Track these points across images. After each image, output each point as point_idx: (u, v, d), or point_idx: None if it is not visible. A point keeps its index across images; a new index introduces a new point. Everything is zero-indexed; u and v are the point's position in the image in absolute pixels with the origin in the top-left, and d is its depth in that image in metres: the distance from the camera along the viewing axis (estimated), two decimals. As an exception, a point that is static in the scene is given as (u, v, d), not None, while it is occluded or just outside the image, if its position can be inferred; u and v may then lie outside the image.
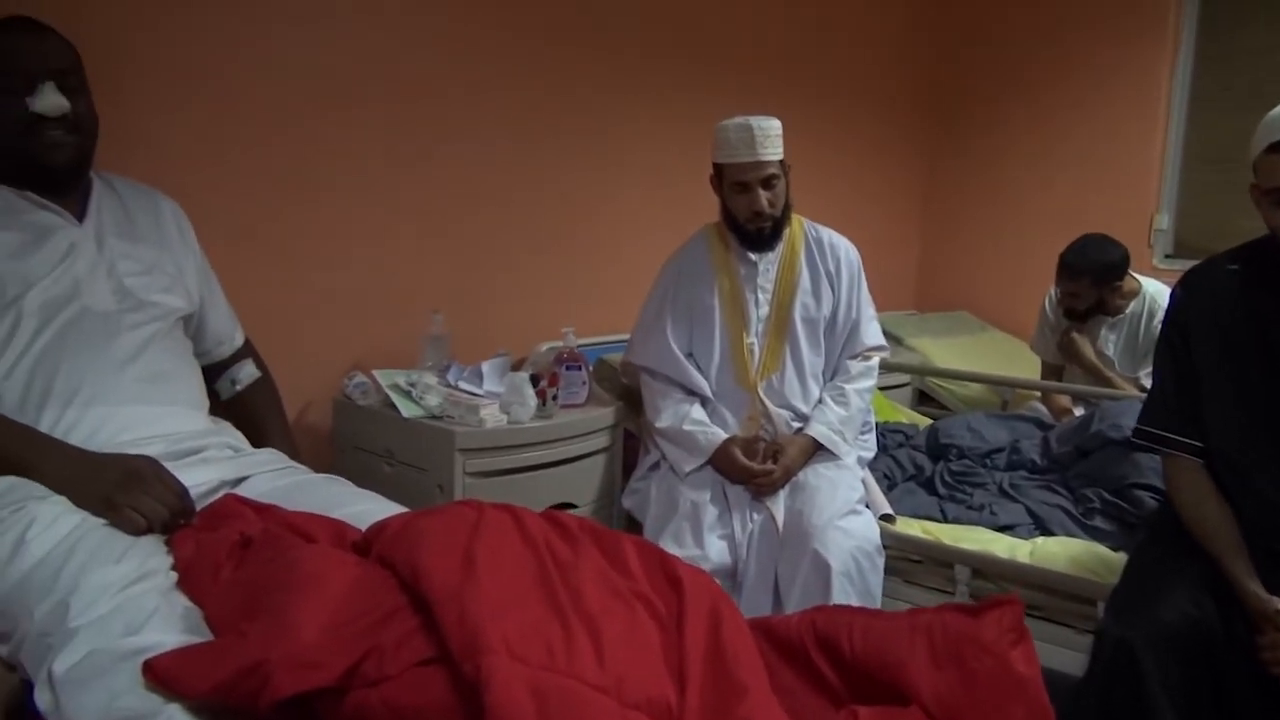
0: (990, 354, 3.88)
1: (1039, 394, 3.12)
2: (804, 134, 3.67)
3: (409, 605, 0.95)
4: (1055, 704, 1.19)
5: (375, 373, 2.15)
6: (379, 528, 1.20)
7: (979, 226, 4.44)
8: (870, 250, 4.14)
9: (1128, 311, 2.90)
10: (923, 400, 3.57)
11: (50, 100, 1.51)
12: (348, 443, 2.17)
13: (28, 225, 1.52)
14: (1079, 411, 2.95)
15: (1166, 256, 3.91)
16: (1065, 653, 1.86)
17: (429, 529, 1.01)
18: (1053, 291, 3.04)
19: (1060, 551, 1.96)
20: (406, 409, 2.03)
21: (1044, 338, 3.12)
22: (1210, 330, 1.68)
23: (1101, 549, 1.95)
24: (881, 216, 4.33)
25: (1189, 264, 1.76)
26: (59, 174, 1.55)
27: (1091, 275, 2.81)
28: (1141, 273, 3.16)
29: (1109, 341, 2.93)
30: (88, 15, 1.78)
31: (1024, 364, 3.66)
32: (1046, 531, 2.07)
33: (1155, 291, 2.90)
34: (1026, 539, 2.04)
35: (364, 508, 1.44)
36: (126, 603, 1.10)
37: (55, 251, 1.52)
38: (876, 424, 2.59)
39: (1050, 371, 3.15)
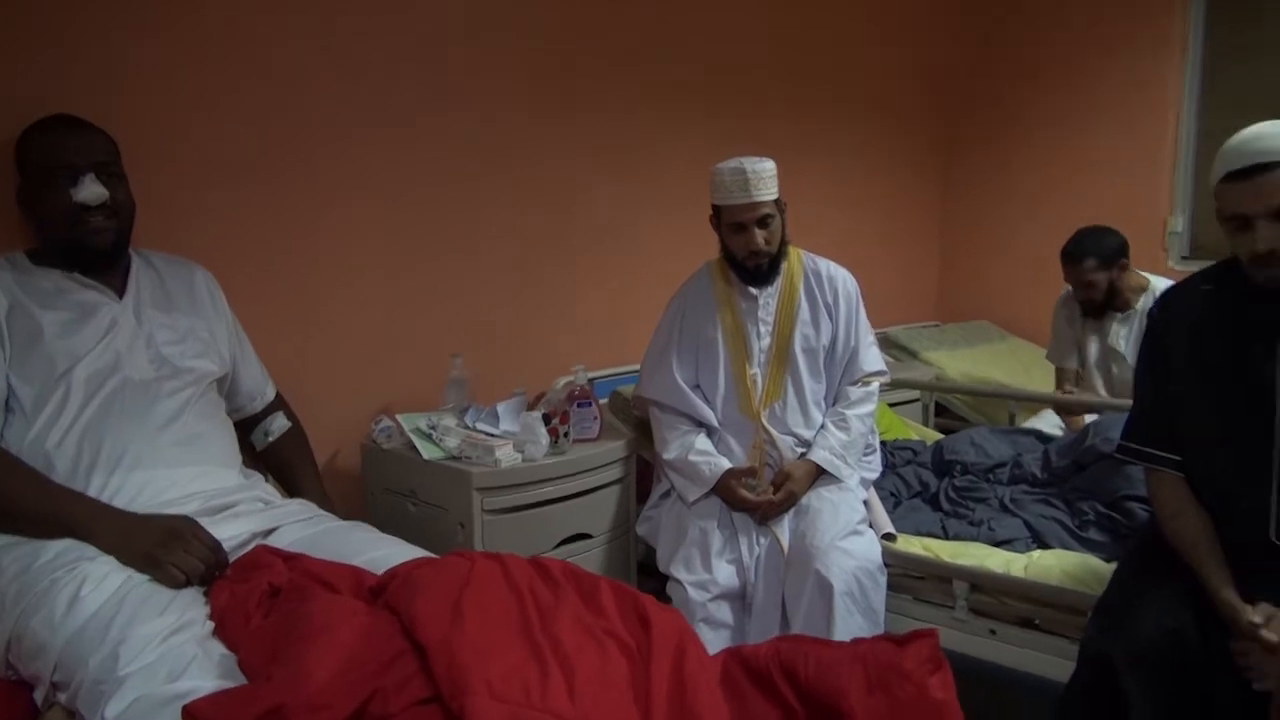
0: (1009, 363, 3.93)
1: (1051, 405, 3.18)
2: (822, 154, 3.79)
3: (410, 650, 1.08)
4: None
5: (399, 417, 2.28)
6: (390, 574, 1.33)
7: (996, 235, 4.49)
8: (890, 262, 4.28)
9: (1137, 307, 2.96)
10: (940, 412, 3.63)
11: (91, 190, 1.67)
12: (377, 485, 2.31)
13: (74, 304, 1.68)
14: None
15: (1183, 258, 3.93)
16: (1062, 663, 1.93)
17: (424, 580, 1.13)
18: (1063, 293, 3.10)
19: (1055, 564, 2.02)
20: (427, 451, 2.16)
21: (1058, 344, 3.18)
22: (1187, 348, 1.73)
23: (1095, 561, 2.01)
24: (901, 229, 4.41)
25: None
26: (101, 256, 1.72)
27: (1096, 256, 2.88)
28: (1156, 274, 3.21)
29: (1120, 337, 2.98)
30: (128, 109, 1.94)
31: (1042, 372, 3.73)
32: (1044, 545, 2.13)
33: (1164, 288, 2.96)
34: (1023, 553, 2.10)
35: (383, 552, 1.57)
36: (169, 652, 1.24)
37: (99, 327, 1.68)
38: (885, 442, 2.68)
39: (1066, 378, 3.21)
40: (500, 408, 2.31)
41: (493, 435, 2.20)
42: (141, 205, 1.80)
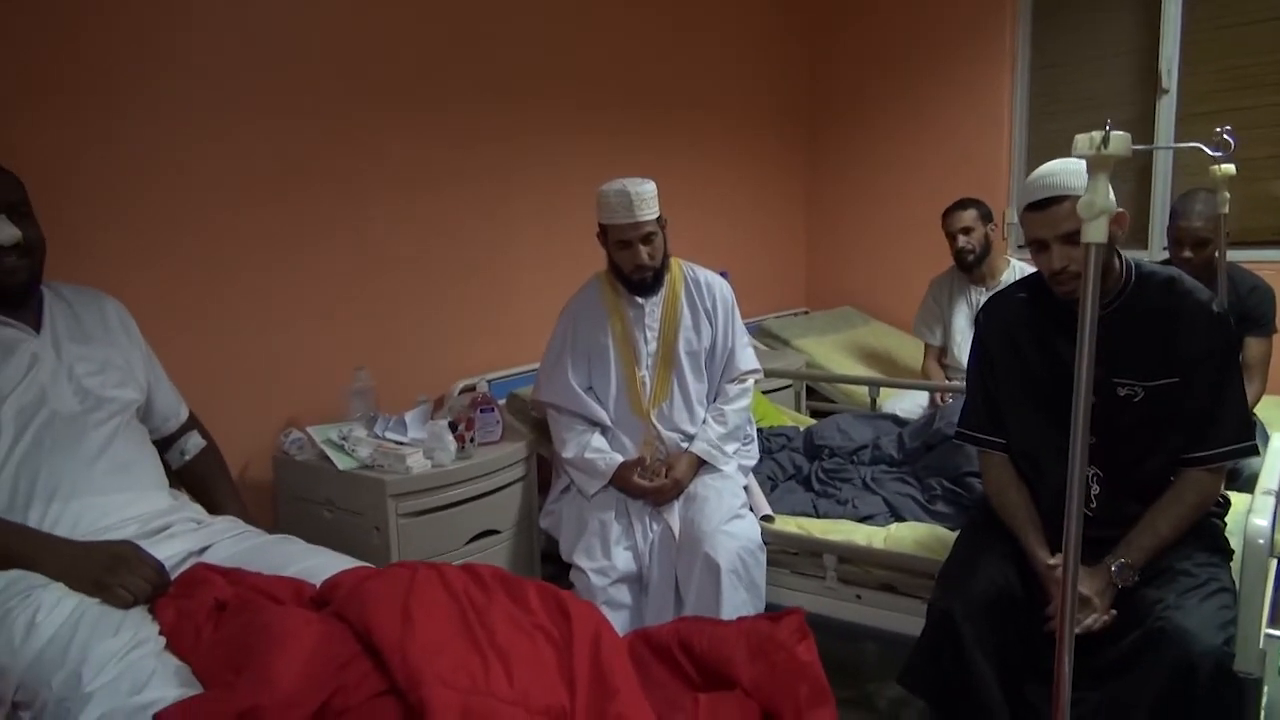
0: (871, 346, 4.30)
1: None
2: (697, 166, 4.06)
3: (363, 652, 1.25)
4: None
5: (309, 429, 2.40)
6: (332, 585, 1.49)
7: (854, 227, 4.88)
8: (762, 254, 4.60)
9: (1001, 279, 3.33)
10: (811, 395, 3.95)
11: (4, 231, 1.72)
12: (289, 494, 2.43)
13: (-5, 343, 1.74)
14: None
15: (1019, 247, 4.36)
16: (915, 620, 2.21)
17: (373, 591, 1.30)
18: (938, 275, 3.49)
19: (909, 535, 2.32)
20: (341, 462, 2.29)
21: (925, 316, 3.54)
22: (1007, 347, 2.04)
23: (942, 530, 2.32)
24: (770, 223, 4.74)
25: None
26: (16, 295, 1.77)
27: (977, 209, 3.32)
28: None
29: None
30: (31, 149, 2.00)
31: (902, 351, 4.13)
32: (899, 518, 2.43)
33: (1022, 271, 3.34)
34: (883, 526, 2.40)
35: (315, 562, 1.71)
36: (130, 667, 1.36)
37: (21, 364, 1.74)
38: (762, 429, 2.95)
39: (934, 353, 3.56)
40: (407, 417, 2.45)
41: (403, 444, 2.35)
42: (50, 240, 1.86)
